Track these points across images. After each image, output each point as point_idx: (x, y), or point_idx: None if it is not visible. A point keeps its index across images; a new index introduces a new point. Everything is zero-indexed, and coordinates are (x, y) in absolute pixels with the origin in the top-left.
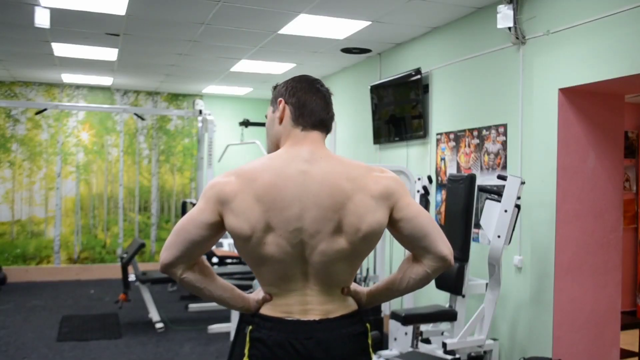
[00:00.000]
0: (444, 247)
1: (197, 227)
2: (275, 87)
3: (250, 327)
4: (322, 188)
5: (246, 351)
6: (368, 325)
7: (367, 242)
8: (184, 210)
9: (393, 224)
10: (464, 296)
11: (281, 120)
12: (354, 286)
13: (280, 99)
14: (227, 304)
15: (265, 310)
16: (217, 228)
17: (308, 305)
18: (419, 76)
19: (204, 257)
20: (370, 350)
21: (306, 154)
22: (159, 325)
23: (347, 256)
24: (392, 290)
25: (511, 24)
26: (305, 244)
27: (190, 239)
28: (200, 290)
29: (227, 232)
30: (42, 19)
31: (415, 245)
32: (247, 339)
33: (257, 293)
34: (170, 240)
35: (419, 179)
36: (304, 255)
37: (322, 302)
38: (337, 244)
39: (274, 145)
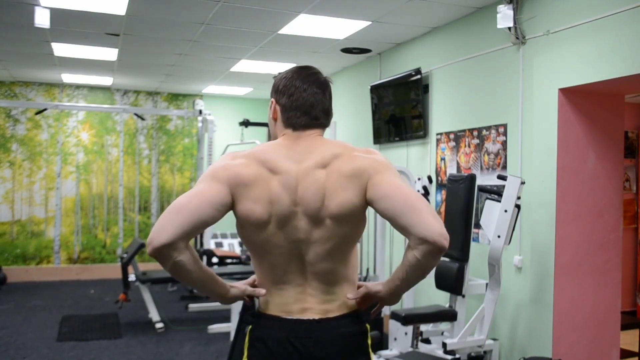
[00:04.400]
0: (428, 226)
1: (211, 207)
2: (275, 77)
3: (250, 326)
4: (308, 182)
5: (245, 350)
6: (368, 325)
7: (342, 223)
8: None
9: (372, 205)
10: (464, 296)
11: (275, 119)
12: (366, 286)
13: (272, 99)
14: (209, 289)
15: (264, 309)
16: (227, 210)
17: (307, 304)
18: (419, 76)
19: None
20: (370, 350)
21: (301, 152)
22: (159, 325)
23: (334, 244)
24: (401, 279)
25: (511, 24)
26: (300, 241)
27: (200, 218)
28: (190, 274)
29: (226, 232)
30: (42, 19)
31: (397, 226)
32: (247, 338)
33: (244, 283)
34: (169, 218)
35: (419, 179)
36: (301, 253)
37: (321, 301)
38: (321, 230)
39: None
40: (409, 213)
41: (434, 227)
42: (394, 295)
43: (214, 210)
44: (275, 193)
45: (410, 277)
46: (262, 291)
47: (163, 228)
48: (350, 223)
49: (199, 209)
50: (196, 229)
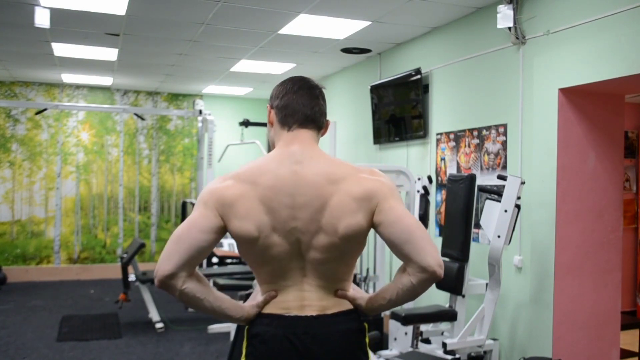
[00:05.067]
0: (428, 256)
1: (203, 232)
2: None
3: (247, 325)
4: (310, 190)
5: (243, 349)
6: (366, 324)
7: (348, 242)
8: (184, 210)
9: (375, 228)
10: (464, 296)
11: (272, 124)
12: (353, 293)
13: (268, 104)
14: (225, 315)
15: (263, 308)
16: (221, 232)
17: (305, 301)
18: (419, 76)
19: (198, 269)
20: (367, 348)
21: (296, 154)
22: (159, 325)
23: (336, 255)
24: (388, 300)
25: (511, 24)
26: (301, 242)
27: (196, 245)
28: (200, 302)
29: (226, 233)
30: (42, 19)
31: (398, 252)
32: (245, 336)
33: (253, 298)
34: (170, 249)
35: (419, 179)
36: (301, 252)
37: (319, 298)
38: (324, 242)
39: (272, 147)
40: (412, 242)
41: (435, 257)
42: (373, 311)
43: (207, 235)
44: (267, 204)
45: (399, 299)
46: (274, 293)
47: (164, 260)
48: (354, 242)
49: (193, 237)
50: (196, 257)
